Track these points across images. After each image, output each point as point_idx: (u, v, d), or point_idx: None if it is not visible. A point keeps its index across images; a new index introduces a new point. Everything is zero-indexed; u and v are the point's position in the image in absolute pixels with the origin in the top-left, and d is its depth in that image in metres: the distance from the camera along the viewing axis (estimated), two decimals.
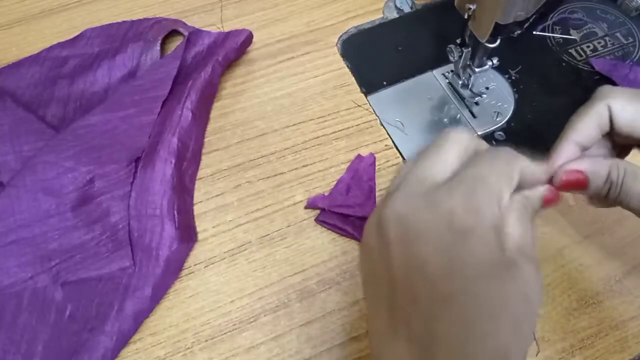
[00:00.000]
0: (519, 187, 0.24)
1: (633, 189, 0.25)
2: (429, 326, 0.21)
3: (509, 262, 0.21)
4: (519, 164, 0.24)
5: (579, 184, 0.26)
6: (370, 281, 0.25)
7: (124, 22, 0.51)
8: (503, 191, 0.22)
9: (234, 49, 0.47)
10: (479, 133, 0.45)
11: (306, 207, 0.41)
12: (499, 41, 0.40)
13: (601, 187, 0.26)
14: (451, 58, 0.44)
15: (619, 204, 0.27)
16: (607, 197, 0.26)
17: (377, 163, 0.43)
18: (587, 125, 0.27)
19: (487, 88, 0.47)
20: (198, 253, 0.40)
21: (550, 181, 0.26)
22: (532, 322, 0.22)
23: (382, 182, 0.42)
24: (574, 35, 0.51)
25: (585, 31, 0.51)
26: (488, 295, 0.21)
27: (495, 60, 0.42)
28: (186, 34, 0.49)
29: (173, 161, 0.41)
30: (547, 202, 0.25)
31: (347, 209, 0.40)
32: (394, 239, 0.22)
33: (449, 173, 0.23)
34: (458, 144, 0.24)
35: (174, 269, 0.38)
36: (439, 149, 0.24)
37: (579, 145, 0.27)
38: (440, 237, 0.21)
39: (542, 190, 0.25)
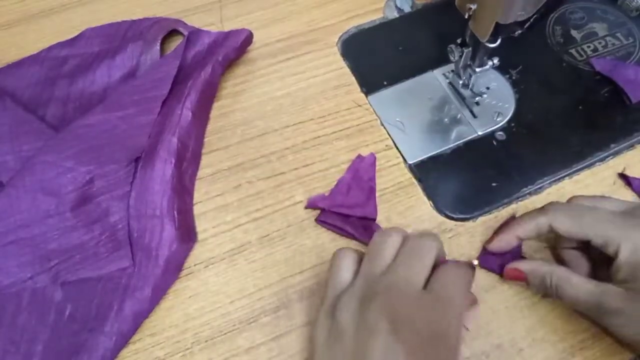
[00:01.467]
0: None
1: (567, 293, 0.33)
2: None
3: None
4: (433, 254, 0.32)
5: (518, 278, 0.36)
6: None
7: (123, 21, 0.51)
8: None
9: (234, 49, 0.47)
10: (480, 133, 0.45)
11: (306, 207, 0.41)
12: (499, 41, 0.40)
13: (538, 287, 0.35)
14: (452, 58, 0.44)
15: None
16: (549, 295, 0.35)
17: (377, 163, 0.43)
18: (527, 228, 0.36)
19: (487, 88, 0.47)
20: (198, 253, 0.40)
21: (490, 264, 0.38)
22: None
23: (382, 182, 0.42)
24: (575, 35, 0.50)
25: (585, 31, 0.51)
26: None
27: (495, 60, 0.42)
28: (186, 33, 0.48)
29: (173, 161, 0.41)
30: None
31: (348, 209, 0.40)
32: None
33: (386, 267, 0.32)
34: (395, 241, 0.32)
35: (173, 269, 0.38)
36: (381, 251, 0.32)
37: (518, 237, 0.37)
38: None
39: None
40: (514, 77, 0.48)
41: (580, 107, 0.46)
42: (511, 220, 0.38)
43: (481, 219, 0.41)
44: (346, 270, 0.33)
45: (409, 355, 0.27)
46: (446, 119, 0.46)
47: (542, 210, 0.36)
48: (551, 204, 0.36)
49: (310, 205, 0.41)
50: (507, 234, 0.37)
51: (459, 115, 0.46)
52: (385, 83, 0.48)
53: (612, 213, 0.34)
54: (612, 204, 0.35)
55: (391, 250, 0.32)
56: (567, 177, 0.43)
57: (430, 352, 0.28)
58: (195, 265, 0.39)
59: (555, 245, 0.38)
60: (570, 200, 0.37)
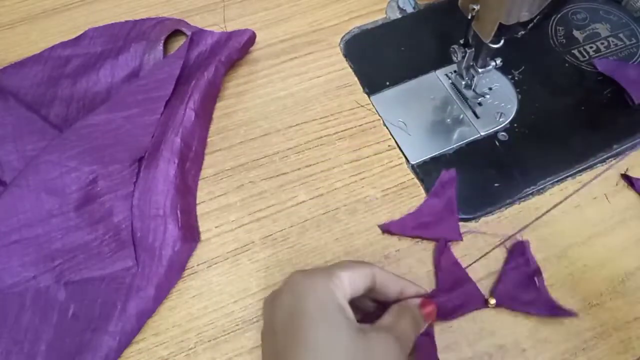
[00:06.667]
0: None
1: None
2: None
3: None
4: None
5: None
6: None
7: (126, 21, 0.51)
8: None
9: (236, 49, 0.47)
10: (482, 134, 0.45)
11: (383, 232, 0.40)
12: (502, 42, 0.40)
13: None
14: (454, 58, 0.44)
15: None
16: None
17: (379, 163, 0.43)
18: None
19: (490, 88, 0.47)
20: (201, 253, 0.40)
21: None
22: None
23: (384, 183, 0.42)
24: (577, 36, 0.51)
25: (588, 32, 0.51)
26: None
27: (498, 61, 0.42)
28: (189, 33, 0.48)
29: (176, 161, 0.41)
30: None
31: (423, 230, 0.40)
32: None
33: None
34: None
35: (177, 269, 0.38)
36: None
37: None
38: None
39: None
40: (516, 78, 0.48)
41: (583, 108, 0.46)
42: None
43: (483, 219, 0.41)
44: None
45: None
46: (449, 120, 0.46)
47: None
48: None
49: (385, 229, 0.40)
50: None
51: (461, 116, 0.46)
52: (387, 83, 0.48)
53: None
54: None
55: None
56: (569, 178, 0.43)
57: None
58: (198, 265, 0.39)
59: None
60: None
